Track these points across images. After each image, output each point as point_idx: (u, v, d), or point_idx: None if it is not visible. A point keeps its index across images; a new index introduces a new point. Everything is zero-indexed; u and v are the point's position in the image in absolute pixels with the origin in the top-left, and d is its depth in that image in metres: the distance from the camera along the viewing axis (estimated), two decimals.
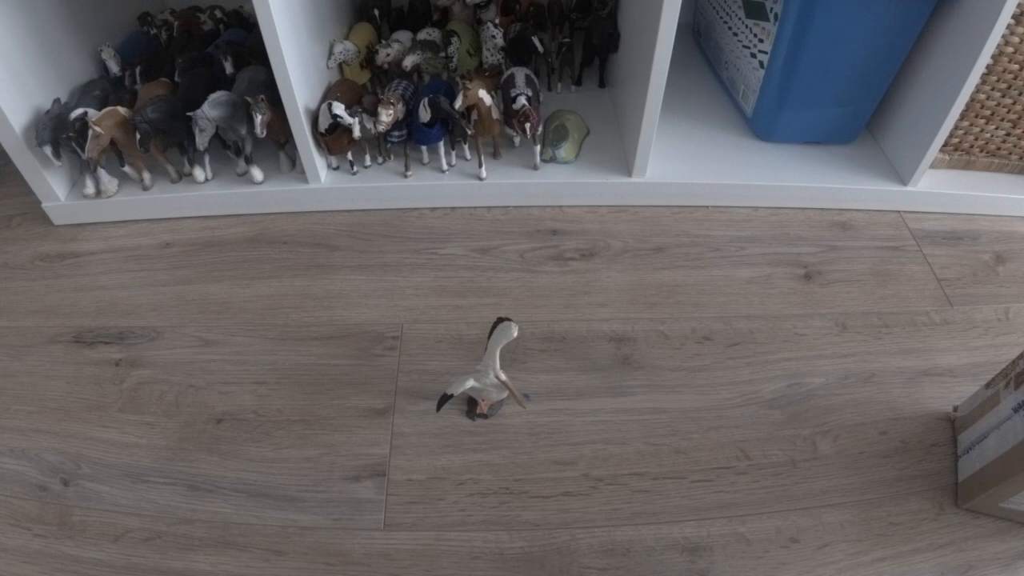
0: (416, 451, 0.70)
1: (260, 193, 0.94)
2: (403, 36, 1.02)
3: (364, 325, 0.82)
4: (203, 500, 0.67)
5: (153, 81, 0.93)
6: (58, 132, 0.84)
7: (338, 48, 0.94)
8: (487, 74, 0.96)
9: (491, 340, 0.63)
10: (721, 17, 1.06)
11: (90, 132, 0.82)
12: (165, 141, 0.92)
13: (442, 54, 0.99)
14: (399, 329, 0.81)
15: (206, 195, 0.93)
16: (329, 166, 0.96)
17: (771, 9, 0.88)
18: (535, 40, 0.98)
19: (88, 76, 0.98)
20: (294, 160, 0.96)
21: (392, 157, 0.97)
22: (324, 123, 0.86)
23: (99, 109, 0.87)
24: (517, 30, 1.01)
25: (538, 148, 0.94)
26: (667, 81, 0.82)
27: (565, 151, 0.95)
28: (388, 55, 0.96)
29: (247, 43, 0.99)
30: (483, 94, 0.86)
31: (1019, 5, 0.77)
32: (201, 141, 0.86)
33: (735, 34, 1.01)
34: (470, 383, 0.65)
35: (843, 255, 0.90)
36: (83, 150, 0.84)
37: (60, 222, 0.95)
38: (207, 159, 0.93)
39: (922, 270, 0.88)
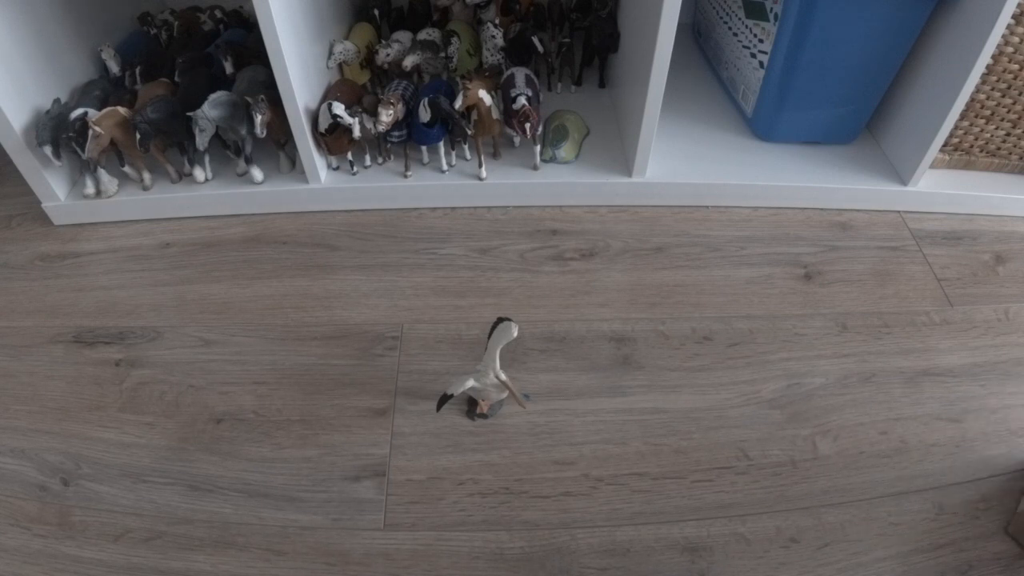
0: (416, 451, 0.70)
1: (260, 193, 0.94)
2: (403, 36, 1.02)
3: (364, 325, 0.82)
4: (203, 500, 0.67)
5: (153, 81, 0.93)
6: (58, 132, 0.84)
7: (338, 48, 0.94)
8: (487, 74, 0.96)
9: (491, 340, 0.63)
10: (721, 17, 1.06)
11: (90, 132, 0.82)
12: (165, 141, 0.92)
13: (442, 54, 0.99)
14: (399, 329, 0.81)
15: (206, 195, 0.93)
16: (329, 166, 0.96)
17: (771, 9, 0.88)
18: (535, 40, 0.98)
19: (88, 76, 0.98)
20: (294, 160, 0.96)
21: (392, 157, 0.97)
22: (324, 123, 0.86)
23: (99, 109, 0.87)
24: (517, 30, 1.01)
25: (538, 148, 0.94)
26: (667, 81, 0.82)
27: (565, 151, 0.95)
28: (388, 55, 0.96)
29: (247, 43, 0.99)
30: (483, 94, 0.86)
31: (1019, 5, 0.77)
32: (201, 141, 0.86)
33: (735, 34, 1.01)
34: (470, 383, 0.65)
35: (843, 255, 0.90)
36: (83, 150, 0.84)
37: (60, 222, 0.95)
38: (207, 159, 0.93)
39: (922, 270, 0.88)
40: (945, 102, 0.83)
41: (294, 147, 0.90)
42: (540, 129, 0.92)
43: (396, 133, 0.91)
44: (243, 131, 0.88)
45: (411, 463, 0.69)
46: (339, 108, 0.85)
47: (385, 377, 0.76)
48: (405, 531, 0.64)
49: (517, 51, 1.00)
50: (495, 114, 0.89)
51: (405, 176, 0.94)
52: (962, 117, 0.88)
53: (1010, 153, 0.93)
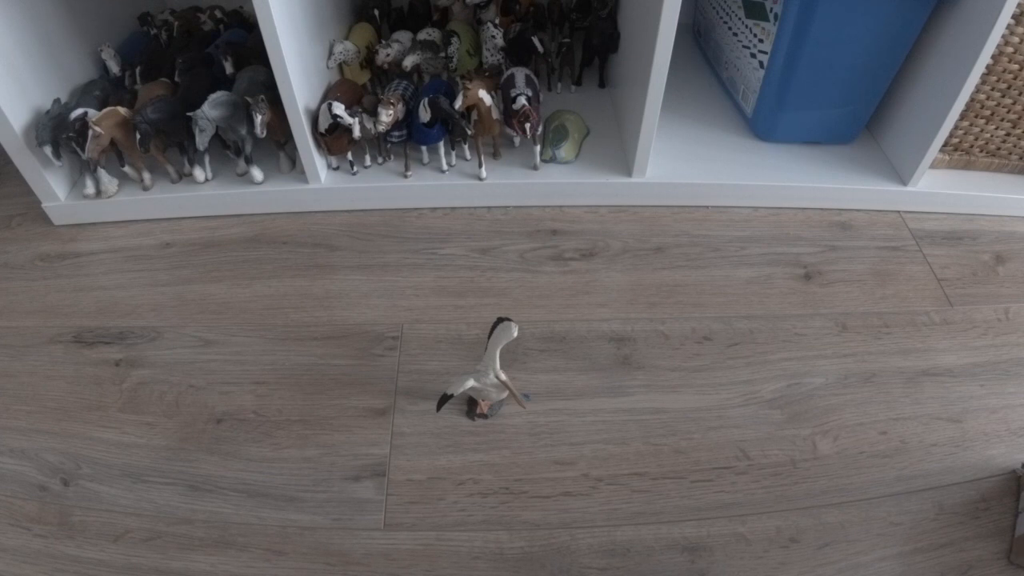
0: (416, 451, 0.70)
1: (260, 193, 0.94)
2: (403, 36, 1.02)
3: (364, 325, 0.82)
4: (203, 500, 0.67)
5: (153, 81, 0.93)
6: (58, 132, 0.84)
7: (338, 48, 0.94)
8: (487, 74, 0.96)
9: (491, 340, 0.63)
10: (721, 17, 1.06)
11: (90, 132, 0.82)
12: (165, 141, 0.92)
13: (442, 54, 0.99)
14: (399, 329, 0.81)
15: (206, 195, 0.93)
16: (329, 166, 0.96)
17: (771, 9, 0.88)
18: (535, 40, 0.98)
19: (88, 76, 0.98)
20: (294, 160, 0.96)
21: (392, 157, 0.97)
22: (324, 123, 0.86)
23: (99, 109, 0.87)
24: (517, 30, 1.01)
25: (538, 148, 0.94)
26: (667, 81, 0.82)
27: (565, 151, 0.95)
28: (388, 55, 0.96)
29: (247, 43, 0.99)
30: (483, 94, 0.86)
31: (1019, 5, 0.77)
32: (201, 141, 0.86)
33: (735, 34, 1.01)
34: (470, 383, 0.65)
35: (843, 255, 0.90)
36: (83, 150, 0.84)
37: (60, 222, 0.95)
38: (207, 159, 0.93)
39: (922, 270, 0.88)
40: (945, 102, 0.83)
41: (294, 147, 0.90)
42: (540, 129, 0.92)
43: (396, 133, 0.91)
44: (243, 131, 0.88)
45: (411, 463, 0.69)
46: (339, 108, 0.85)
47: (385, 377, 0.76)
48: (405, 531, 0.64)
49: (517, 51, 1.00)
50: (495, 114, 0.89)
51: (405, 176, 0.94)
52: (962, 117, 0.88)
53: (1010, 153, 0.93)
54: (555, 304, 0.83)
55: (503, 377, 0.65)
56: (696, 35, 1.21)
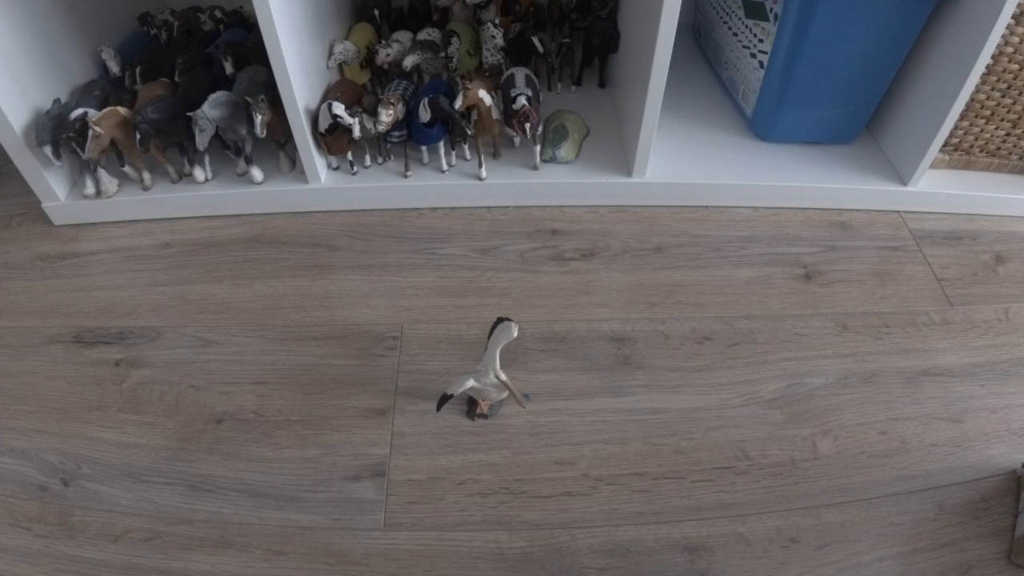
0: (416, 451, 0.70)
1: (260, 193, 0.94)
2: (403, 36, 1.02)
3: (364, 325, 0.82)
4: (203, 500, 0.67)
5: (153, 81, 0.93)
6: (58, 132, 0.84)
7: (338, 48, 0.94)
8: (487, 74, 0.96)
9: (491, 340, 0.63)
10: (721, 17, 1.06)
11: (90, 132, 0.82)
12: (165, 141, 0.92)
13: (442, 54, 0.99)
14: (399, 329, 0.81)
15: (206, 195, 0.93)
16: (329, 166, 0.96)
17: (771, 9, 0.88)
18: (535, 40, 0.98)
19: (88, 76, 0.98)
20: (294, 160, 0.96)
21: (392, 157, 0.97)
22: (324, 123, 0.86)
23: (99, 109, 0.87)
24: (517, 30, 1.01)
25: (538, 148, 0.94)
26: (667, 81, 0.82)
27: (565, 151, 0.95)
28: (388, 55, 0.96)
29: (247, 43, 0.99)
30: (483, 94, 0.86)
31: (1019, 5, 0.77)
32: (201, 141, 0.86)
33: (735, 34, 1.01)
34: (470, 383, 0.65)
35: (843, 255, 0.90)
36: (83, 150, 0.84)
37: (60, 222, 0.95)
38: (207, 159, 0.93)
39: (922, 270, 0.88)
40: (945, 102, 0.83)
41: (294, 147, 0.90)
42: (540, 129, 0.92)
43: (396, 133, 0.91)
44: (243, 131, 0.88)
45: (411, 463, 0.69)
46: (339, 108, 0.85)
47: (385, 377, 0.76)
48: (405, 531, 0.64)
49: (517, 51, 1.00)
50: (495, 114, 0.89)
51: (405, 176, 0.94)
52: (962, 117, 0.88)
53: (1010, 153, 0.93)
54: (555, 304, 0.84)
55: (503, 377, 0.65)
56: (696, 35, 1.21)
